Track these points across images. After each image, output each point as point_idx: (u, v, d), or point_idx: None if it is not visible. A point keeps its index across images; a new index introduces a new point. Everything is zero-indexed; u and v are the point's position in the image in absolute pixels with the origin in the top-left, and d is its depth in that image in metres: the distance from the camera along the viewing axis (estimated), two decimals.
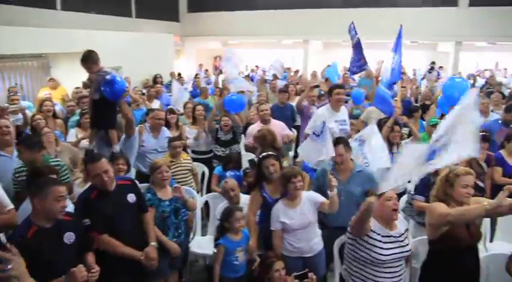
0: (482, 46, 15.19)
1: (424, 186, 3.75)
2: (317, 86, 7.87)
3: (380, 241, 2.68)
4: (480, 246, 4.10)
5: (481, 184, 4.43)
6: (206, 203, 4.66)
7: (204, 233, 4.56)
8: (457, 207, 2.70)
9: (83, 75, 4.30)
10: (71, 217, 2.66)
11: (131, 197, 3.06)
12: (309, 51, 15.75)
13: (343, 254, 3.17)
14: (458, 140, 2.32)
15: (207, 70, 15.10)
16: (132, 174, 4.84)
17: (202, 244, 4.22)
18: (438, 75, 12.21)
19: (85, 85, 4.25)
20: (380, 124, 4.96)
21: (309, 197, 3.44)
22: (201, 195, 4.93)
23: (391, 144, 4.70)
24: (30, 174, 3.21)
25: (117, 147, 4.27)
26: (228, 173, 4.74)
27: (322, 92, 7.37)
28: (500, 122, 5.64)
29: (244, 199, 3.92)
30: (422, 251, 3.15)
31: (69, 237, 2.57)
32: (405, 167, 2.42)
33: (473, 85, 10.80)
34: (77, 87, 7.64)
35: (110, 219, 2.89)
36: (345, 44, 16.14)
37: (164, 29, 14.83)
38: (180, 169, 4.75)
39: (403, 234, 2.79)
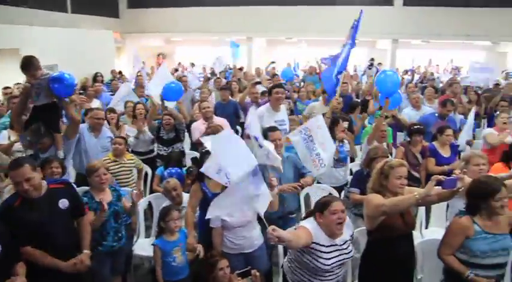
0: (417, 44, 16.01)
1: (358, 180, 3.89)
2: (259, 83, 7.91)
3: (324, 252, 2.65)
4: (416, 233, 4.36)
5: (416, 174, 4.65)
6: (150, 204, 4.53)
7: (148, 235, 4.43)
8: (392, 197, 2.80)
9: (13, 73, 4.03)
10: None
11: (63, 203, 2.88)
12: (253, 49, 15.84)
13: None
14: None
15: (152, 67, 14.71)
16: (72, 176, 4.66)
17: (145, 246, 4.07)
18: (377, 71, 12.69)
19: (25, 90, 3.98)
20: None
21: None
22: (144, 196, 4.80)
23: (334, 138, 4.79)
24: None
25: (61, 153, 4.08)
26: (167, 172, 4.58)
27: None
28: (436, 115, 5.95)
29: (187, 198, 3.85)
30: (363, 242, 3.25)
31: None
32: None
33: (411, 80, 11.38)
34: (6, 87, 7.15)
35: (36, 227, 2.70)
36: (288, 42, 16.46)
37: (103, 26, 14.28)
38: (123, 169, 4.61)
39: (347, 241, 2.79)
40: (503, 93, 8.00)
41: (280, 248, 3.48)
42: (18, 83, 7.12)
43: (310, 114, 6.12)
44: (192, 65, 15.54)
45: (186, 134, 5.77)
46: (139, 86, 8.34)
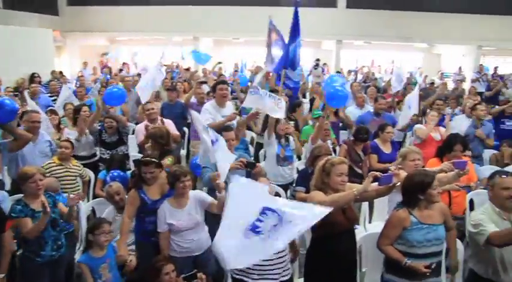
0: (360, 45, 16.61)
1: (303, 178, 3.96)
2: (204, 82, 7.86)
3: None
4: (360, 227, 4.51)
5: (359, 171, 4.82)
6: (94, 210, 4.36)
7: None
8: (333, 194, 2.87)
9: None
10: None
11: None
12: (200, 49, 15.71)
13: None
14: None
15: (94, 67, 14.17)
16: (7, 184, 4.49)
17: None
18: (323, 71, 13.04)
19: None
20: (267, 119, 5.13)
21: (196, 197, 3.40)
22: (87, 201, 4.61)
23: (279, 136, 4.85)
24: None
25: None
26: (109, 175, 4.39)
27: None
28: (372, 112, 6.20)
29: None
30: (309, 239, 3.28)
31: None
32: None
33: (355, 80, 11.79)
34: None
35: None
36: (235, 42, 16.47)
37: (40, 23, 13.53)
38: (68, 174, 4.45)
39: None
40: (439, 92, 8.48)
41: None
42: None
43: None
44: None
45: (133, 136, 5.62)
46: (80, 87, 8.01)
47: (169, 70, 11.61)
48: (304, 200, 3.16)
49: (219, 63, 11.74)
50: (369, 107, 6.71)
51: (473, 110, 5.92)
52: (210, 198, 3.39)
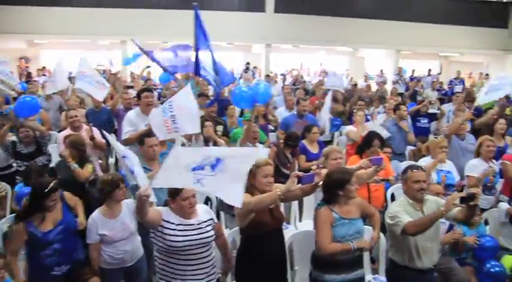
0: (289, 48, 17.07)
1: None
2: (131, 87, 7.64)
3: (174, 229, 2.73)
4: (291, 226, 4.63)
5: (286, 172, 4.93)
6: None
7: None
8: (259, 195, 2.91)
9: None
10: None
11: None
12: (128, 53, 15.22)
13: None
14: (228, 181, 2.46)
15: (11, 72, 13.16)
16: None
17: None
18: (253, 74, 13.22)
19: None
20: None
21: (129, 206, 3.31)
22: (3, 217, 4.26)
23: (207, 140, 4.84)
24: None
25: None
26: (21, 191, 4.02)
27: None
28: (295, 114, 6.37)
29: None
30: (239, 241, 3.32)
31: None
32: (171, 169, 2.47)
33: (284, 82, 12.08)
34: None
35: None
36: (164, 45, 16.15)
37: None
38: None
39: (204, 221, 2.86)
40: (359, 93, 8.94)
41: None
42: None
43: None
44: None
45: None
46: None
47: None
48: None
49: (148, 67, 11.48)
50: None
51: (396, 110, 6.30)
52: None
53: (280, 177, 4.18)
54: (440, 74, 13.34)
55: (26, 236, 3.01)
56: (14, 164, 4.90)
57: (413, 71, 16.04)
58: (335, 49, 17.79)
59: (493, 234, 4.31)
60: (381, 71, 15.05)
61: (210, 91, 8.53)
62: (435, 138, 5.90)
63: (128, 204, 3.32)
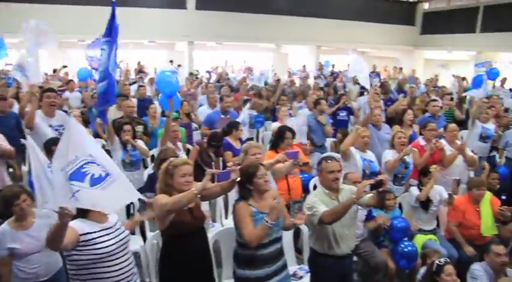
0: (213, 46, 16.99)
1: (152, 183, 3.85)
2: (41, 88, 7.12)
3: (99, 237, 2.56)
4: (218, 224, 4.61)
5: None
6: None
7: None
8: (175, 195, 2.85)
9: None
10: None
11: None
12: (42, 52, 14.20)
13: None
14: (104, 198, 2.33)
15: None
16: None
17: None
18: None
19: None
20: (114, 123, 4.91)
21: (44, 215, 3.05)
22: None
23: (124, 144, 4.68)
24: None
25: None
26: None
27: None
28: (219, 111, 6.40)
29: None
30: None
31: None
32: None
33: (208, 80, 12.00)
34: None
35: None
36: (82, 44, 15.30)
37: None
38: None
39: (116, 222, 2.74)
40: (281, 89, 9.14)
41: None
42: None
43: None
44: None
45: None
46: None
47: (3, 77, 10.30)
48: (150, 205, 3.10)
49: (64, 67, 10.86)
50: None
51: (316, 104, 6.51)
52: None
53: (202, 176, 4.12)
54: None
55: None
56: None
57: (333, 65, 16.74)
58: (259, 46, 18.03)
59: (406, 216, 4.63)
60: (304, 66, 15.50)
61: (132, 91, 8.27)
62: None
63: (41, 214, 3.07)
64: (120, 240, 2.68)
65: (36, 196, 2.98)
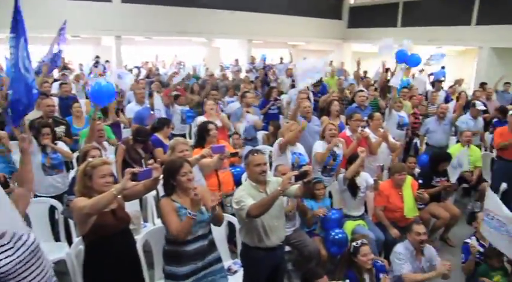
0: (142, 40, 16.41)
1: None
2: None
3: (11, 248, 2.23)
4: (150, 223, 4.47)
5: (140, 169, 4.74)
6: None
7: None
8: (94, 197, 2.70)
9: None
10: None
11: None
12: None
13: None
14: None
15: None
16: None
17: None
18: (104, 69, 12.39)
19: None
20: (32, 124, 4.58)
21: None
22: None
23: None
24: None
25: None
26: None
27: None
28: (148, 107, 6.31)
29: None
30: None
31: None
32: None
33: (138, 76, 11.60)
34: None
35: None
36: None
37: None
38: None
39: (14, 236, 2.47)
40: (211, 83, 9.09)
41: None
42: None
43: None
44: None
45: None
46: None
47: None
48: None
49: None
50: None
51: (242, 97, 6.51)
52: None
53: None
54: (291, 62, 14.24)
55: None
56: None
57: (271, 59, 16.84)
58: (191, 40, 17.72)
59: (336, 205, 4.79)
60: (236, 60, 15.49)
61: (54, 89, 7.79)
62: (286, 122, 6.30)
63: None
64: (32, 244, 2.43)
65: None
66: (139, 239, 3.46)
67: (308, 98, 7.31)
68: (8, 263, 2.25)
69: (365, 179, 4.63)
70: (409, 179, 4.70)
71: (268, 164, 5.19)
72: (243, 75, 12.64)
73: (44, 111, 5.38)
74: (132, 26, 13.90)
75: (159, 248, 3.37)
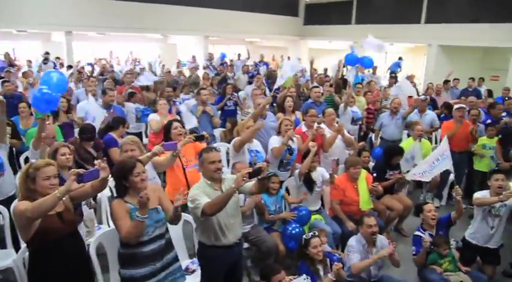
0: (95, 36, 15.81)
1: None
2: None
3: None
4: (105, 225, 4.32)
5: (91, 169, 4.56)
6: None
7: None
8: (36, 201, 2.55)
9: None
10: None
11: None
12: None
13: None
14: None
15: None
16: None
17: None
18: (55, 65, 11.89)
19: None
20: None
21: None
22: None
23: None
24: None
25: None
26: None
27: None
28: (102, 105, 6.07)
29: None
30: None
31: None
32: None
33: (91, 73, 11.21)
34: None
35: None
36: None
37: None
38: None
39: None
40: (166, 81, 8.90)
41: None
42: None
43: None
44: None
45: None
46: None
47: None
48: None
49: None
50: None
51: (197, 95, 6.42)
52: None
53: None
54: (248, 58, 14.22)
55: None
56: None
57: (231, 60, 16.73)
58: (146, 36, 17.31)
59: (293, 200, 4.81)
60: (193, 57, 15.28)
61: None
62: (242, 119, 6.28)
63: None
64: None
65: None
66: (92, 241, 3.34)
67: (265, 93, 7.34)
68: None
69: (321, 173, 4.69)
70: (363, 173, 4.80)
71: (226, 162, 5.20)
72: (201, 72, 12.50)
73: None
74: (84, 21, 13.34)
75: (113, 250, 3.27)
